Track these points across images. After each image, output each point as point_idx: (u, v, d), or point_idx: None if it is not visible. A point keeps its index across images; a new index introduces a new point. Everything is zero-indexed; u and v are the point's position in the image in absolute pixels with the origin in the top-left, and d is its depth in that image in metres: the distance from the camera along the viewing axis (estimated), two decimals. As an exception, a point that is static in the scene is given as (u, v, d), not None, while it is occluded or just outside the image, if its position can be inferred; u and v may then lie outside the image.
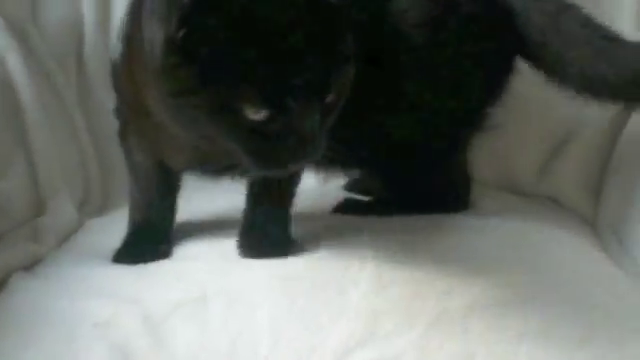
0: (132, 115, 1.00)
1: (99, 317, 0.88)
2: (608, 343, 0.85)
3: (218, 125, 0.82)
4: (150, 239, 1.06)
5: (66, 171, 1.27)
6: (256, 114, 0.79)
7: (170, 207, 1.09)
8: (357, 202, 1.26)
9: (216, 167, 0.95)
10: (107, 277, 0.99)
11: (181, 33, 0.77)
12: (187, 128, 0.87)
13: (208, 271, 0.97)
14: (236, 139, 0.82)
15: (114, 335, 0.85)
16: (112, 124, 1.08)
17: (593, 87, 1.07)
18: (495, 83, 1.13)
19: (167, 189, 1.08)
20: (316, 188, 1.30)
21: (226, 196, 1.08)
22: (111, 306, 0.89)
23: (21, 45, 1.27)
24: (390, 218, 1.12)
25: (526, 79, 1.15)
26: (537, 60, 1.11)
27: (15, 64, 1.24)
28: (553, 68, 1.10)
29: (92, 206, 1.32)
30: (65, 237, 1.18)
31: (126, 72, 0.95)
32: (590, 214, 1.27)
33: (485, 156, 1.31)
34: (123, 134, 1.06)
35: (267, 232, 1.03)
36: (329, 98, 0.84)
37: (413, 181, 1.13)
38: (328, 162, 0.91)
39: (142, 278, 0.98)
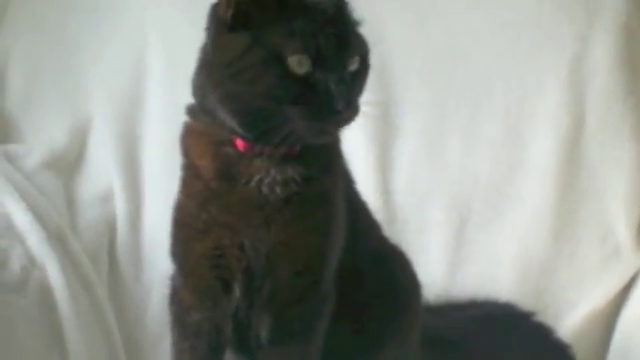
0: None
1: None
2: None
3: (271, 77, 0.92)
4: None
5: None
6: (300, 67, 0.92)
7: None
8: None
9: None
10: None
11: (229, 13, 0.93)
12: (242, 101, 0.94)
13: None
14: (286, 91, 0.93)
15: None
16: (142, 318, 1.09)
17: None
18: None
19: (217, 346, 1.08)
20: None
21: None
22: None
23: (59, 251, 1.31)
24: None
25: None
26: None
27: (53, 271, 1.27)
28: None
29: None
30: None
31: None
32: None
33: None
34: (175, 298, 1.09)
35: None
36: (353, 65, 0.96)
37: None
38: None
39: None
